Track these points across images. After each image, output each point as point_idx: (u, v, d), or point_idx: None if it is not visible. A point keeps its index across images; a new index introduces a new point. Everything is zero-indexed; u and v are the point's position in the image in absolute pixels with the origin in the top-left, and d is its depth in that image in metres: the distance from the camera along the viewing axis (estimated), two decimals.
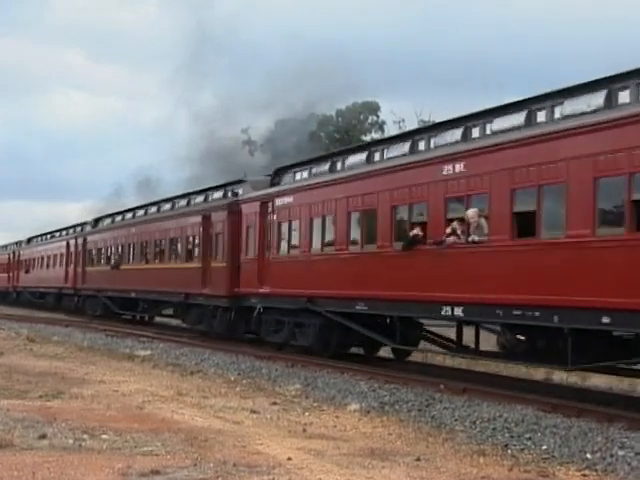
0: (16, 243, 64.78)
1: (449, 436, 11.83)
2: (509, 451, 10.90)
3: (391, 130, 60.61)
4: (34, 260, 55.84)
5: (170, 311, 34.23)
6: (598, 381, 18.07)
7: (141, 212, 38.30)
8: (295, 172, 24.03)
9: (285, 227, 22.70)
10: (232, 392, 15.89)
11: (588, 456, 10.48)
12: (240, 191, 27.01)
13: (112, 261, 38.43)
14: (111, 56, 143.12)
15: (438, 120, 21.42)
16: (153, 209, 36.79)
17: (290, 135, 61.24)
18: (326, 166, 22.06)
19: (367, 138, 61.03)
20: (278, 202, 22.96)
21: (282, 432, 11.57)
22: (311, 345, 21.11)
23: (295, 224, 22.09)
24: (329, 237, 20.57)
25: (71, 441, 10.04)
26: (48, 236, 55.82)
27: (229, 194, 28.18)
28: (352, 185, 19.55)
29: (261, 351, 22.69)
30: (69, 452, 9.40)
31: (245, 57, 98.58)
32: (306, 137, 60.90)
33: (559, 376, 18.94)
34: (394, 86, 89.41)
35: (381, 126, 66.44)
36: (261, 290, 23.34)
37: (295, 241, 22.18)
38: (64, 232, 51.73)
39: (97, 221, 45.55)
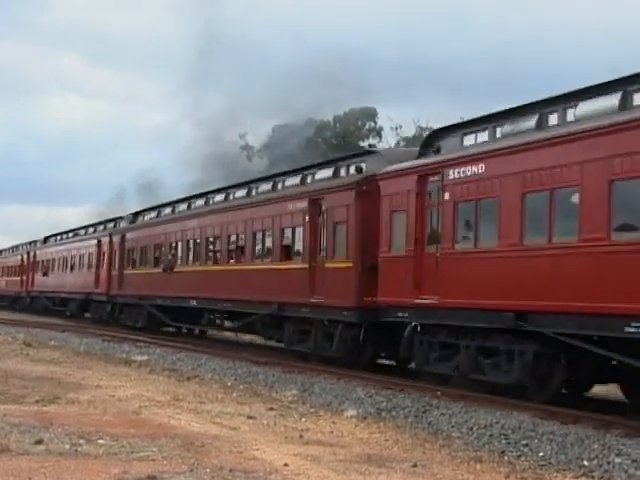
0: (30, 243, 59.47)
1: (446, 442, 11.82)
2: (506, 458, 10.88)
3: (389, 137, 60.84)
4: (54, 261, 49.72)
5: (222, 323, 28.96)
6: (595, 388, 18.04)
7: (200, 202, 31.17)
8: (464, 134, 17.42)
9: (469, 209, 16.11)
10: (229, 398, 15.87)
11: (585, 463, 10.46)
12: (364, 166, 20.52)
13: (164, 262, 31.21)
14: (110, 60, 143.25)
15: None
16: (218, 197, 29.41)
17: (288, 140, 61.36)
18: (530, 121, 15.38)
19: (365, 144, 61.20)
20: (453, 174, 16.38)
21: (279, 438, 11.55)
22: (516, 382, 14.84)
23: (491, 203, 15.44)
24: (565, 221, 13.86)
25: (67, 446, 10.02)
26: (70, 234, 50.08)
27: (342, 171, 21.61)
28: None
29: (258, 356, 22.67)
30: (65, 457, 9.37)
31: (250, 61, 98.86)
32: (304, 143, 61.07)
33: None
34: (394, 91, 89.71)
35: (379, 132, 66.68)
36: (420, 300, 16.89)
37: (491, 229, 15.53)
38: (91, 229, 45.71)
39: (137, 215, 38.70)
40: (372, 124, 67.36)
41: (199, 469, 9.01)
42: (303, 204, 21.68)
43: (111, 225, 41.95)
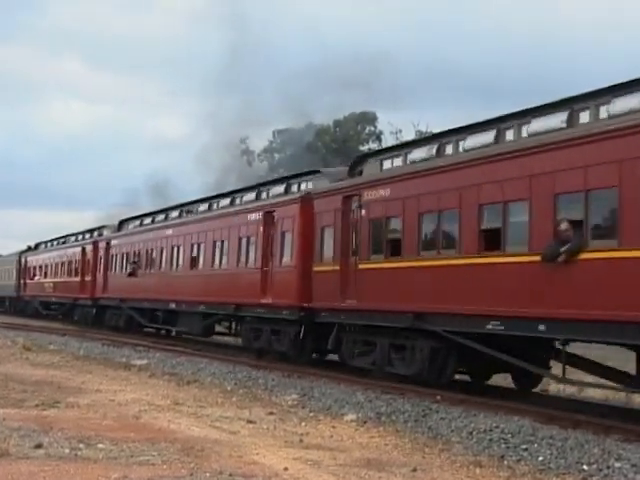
0: (91, 230, 44.45)
1: (445, 447, 11.82)
2: (505, 462, 10.88)
3: (389, 142, 60.93)
4: (149, 254, 32.82)
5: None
6: (594, 393, 18.07)
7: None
8: None
9: None
10: (229, 402, 15.86)
11: (585, 467, 10.46)
12: None
13: (550, 245, 13.30)
14: (111, 63, 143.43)
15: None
16: None
17: (289, 145, 61.57)
18: None
19: (364, 148, 61.34)
20: None
21: (279, 442, 11.55)
22: None
23: None
24: None
25: (67, 450, 10.02)
26: (173, 213, 33.59)
27: None
28: None
29: (257, 361, 22.66)
30: (65, 461, 9.37)
31: (265, 65, 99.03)
32: (304, 147, 61.33)
33: (555, 387, 18.95)
34: (395, 94, 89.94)
35: (378, 137, 66.86)
36: None
37: None
38: (226, 200, 28.25)
39: (363, 160, 20.72)
40: (372, 128, 67.60)
41: (199, 473, 9.01)
42: None
43: (278, 189, 24.46)
